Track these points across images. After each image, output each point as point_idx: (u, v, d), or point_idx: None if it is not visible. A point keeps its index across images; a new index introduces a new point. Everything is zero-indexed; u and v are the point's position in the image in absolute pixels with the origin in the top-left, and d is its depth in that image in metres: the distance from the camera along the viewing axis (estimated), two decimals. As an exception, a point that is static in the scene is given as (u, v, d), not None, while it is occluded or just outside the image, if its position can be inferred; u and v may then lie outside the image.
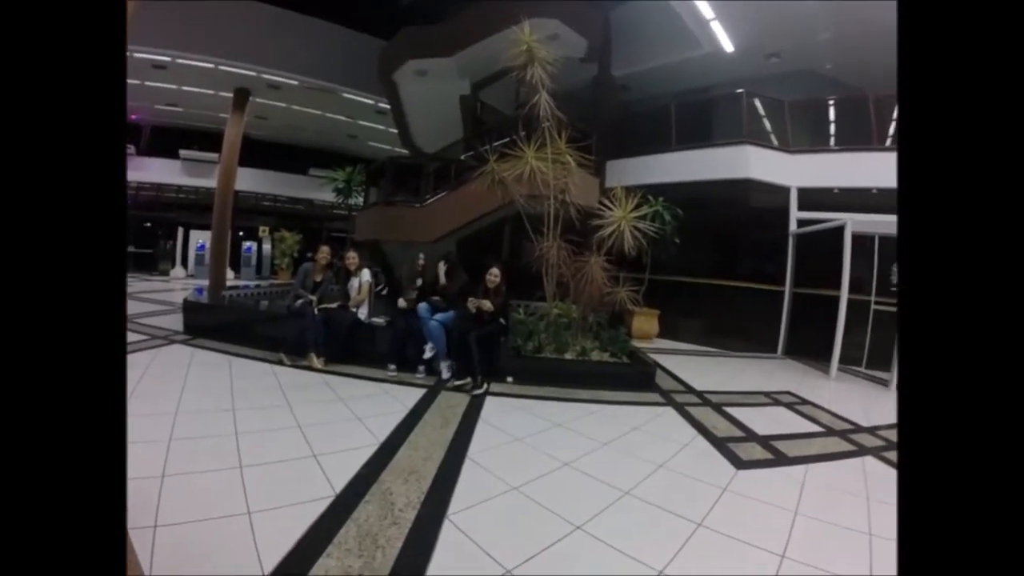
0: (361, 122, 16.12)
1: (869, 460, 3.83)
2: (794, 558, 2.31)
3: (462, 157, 10.38)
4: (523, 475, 3.01)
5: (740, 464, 3.50)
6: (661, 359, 7.30)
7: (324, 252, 6.04)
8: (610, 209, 6.23)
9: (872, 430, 4.63)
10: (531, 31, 6.13)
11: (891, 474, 3.57)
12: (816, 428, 4.64)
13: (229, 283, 12.89)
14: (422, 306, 5.55)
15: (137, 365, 4.85)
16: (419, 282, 5.94)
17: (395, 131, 13.63)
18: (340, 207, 15.33)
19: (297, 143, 18.81)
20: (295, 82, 12.36)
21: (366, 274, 6.03)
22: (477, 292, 5.56)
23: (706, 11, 8.93)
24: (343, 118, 15.75)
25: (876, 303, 7.48)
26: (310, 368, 5.29)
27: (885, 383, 6.63)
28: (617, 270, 6.51)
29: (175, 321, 7.17)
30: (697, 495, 2.93)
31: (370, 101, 13.67)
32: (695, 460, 3.53)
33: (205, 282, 12.48)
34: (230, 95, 12.31)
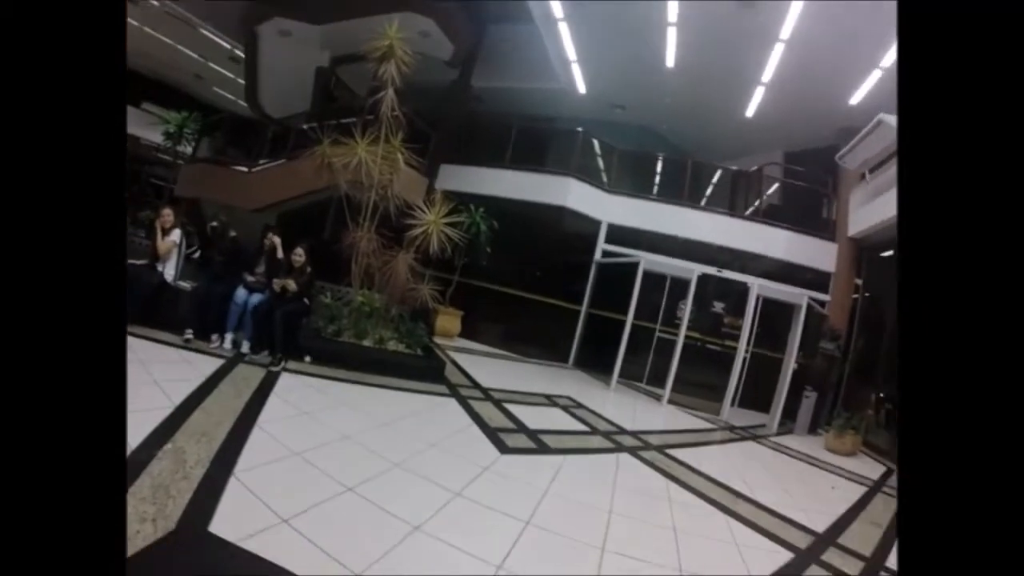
0: (212, 64, 14.79)
1: (624, 456, 4.70)
2: (537, 524, 2.94)
3: (304, 127, 10.14)
4: (305, 443, 3.36)
5: (505, 450, 4.15)
6: (458, 357, 7.99)
7: None
8: (423, 212, 6.76)
9: (634, 433, 5.62)
10: (399, 28, 6.40)
11: (641, 467, 4.46)
12: (583, 428, 5.51)
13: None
14: (240, 292, 5.48)
15: None
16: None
17: (243, 83, 12.79)
18: (166, 152, 13.91)
19: (136, 69, 16.39)
20: (156, 2, 11.07)
21: (176, 234, 5.78)
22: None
23: (571, 52, 9.84)
24: (194, 55, 14.32)
25: (660, 331, 8.97)
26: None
27: (658, 398, 7.95)
28: (425, 269, 7.04)
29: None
30: (460, 472, 3.48)
31: (227, 45, 12.68)
32: (464, 444, 4.12)
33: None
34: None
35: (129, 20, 12.48)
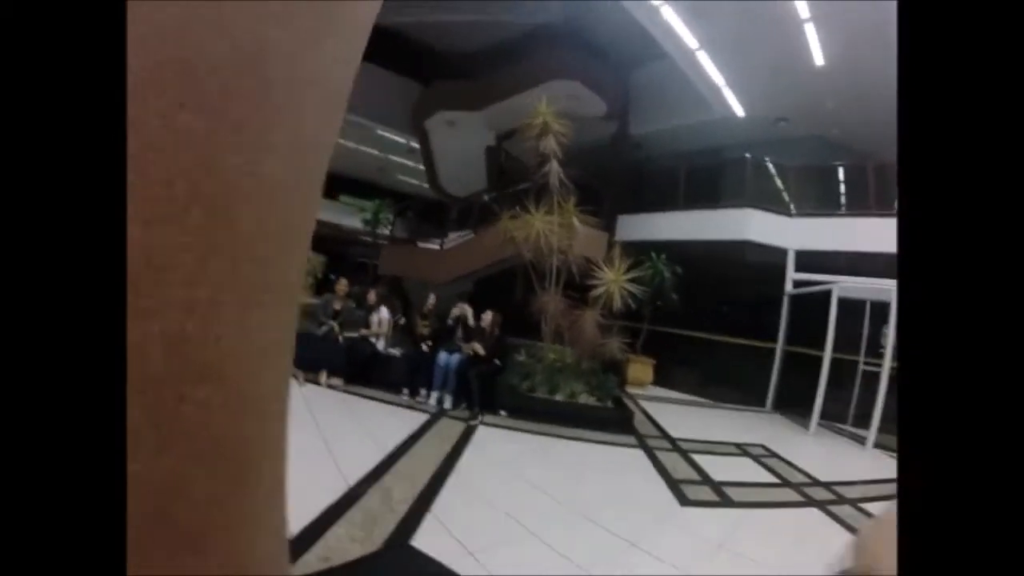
0: (392, 157, 17.37)
1: (812, 511, 4.42)
2: None
3: (485, 198, 11.35)
4: (496, 491, 3.88)
5: (685, 502, 4.21)
6: (650, 406, 8.05)
7: (343, 284, 7.07)
8: (601, 270, 7.14)
9: (827, 485, 5.19)
10: (549, 100, 7.12)
11: (828, 523, 4.17)
12: (773, 479, 5.26)
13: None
14: (442, 355, 6.35)
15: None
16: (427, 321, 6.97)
17: (423, 168, 14.83)
18: (367, 235, 16.47)
19: (331, 171, 20.07)
20: None
21: (384, 311, 6.99)
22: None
23: (717, 78, 9.80)
24: (375, 152, 17.00)
25: (865, 364, 8.09)
26: (329, 385, 6.21)
27: (862, 441, 7.14)
28: (612, 322, 7.34)
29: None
30: (638, 523, 3.65)
31: (402, 140, 14.85)
32: (646, 495, 4.27)
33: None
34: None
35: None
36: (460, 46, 11.72)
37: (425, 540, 2.94)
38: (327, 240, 20.94)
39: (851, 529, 4.06)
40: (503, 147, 12.15)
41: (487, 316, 6.51)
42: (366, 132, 14.80)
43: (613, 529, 3.48)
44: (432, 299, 7.20)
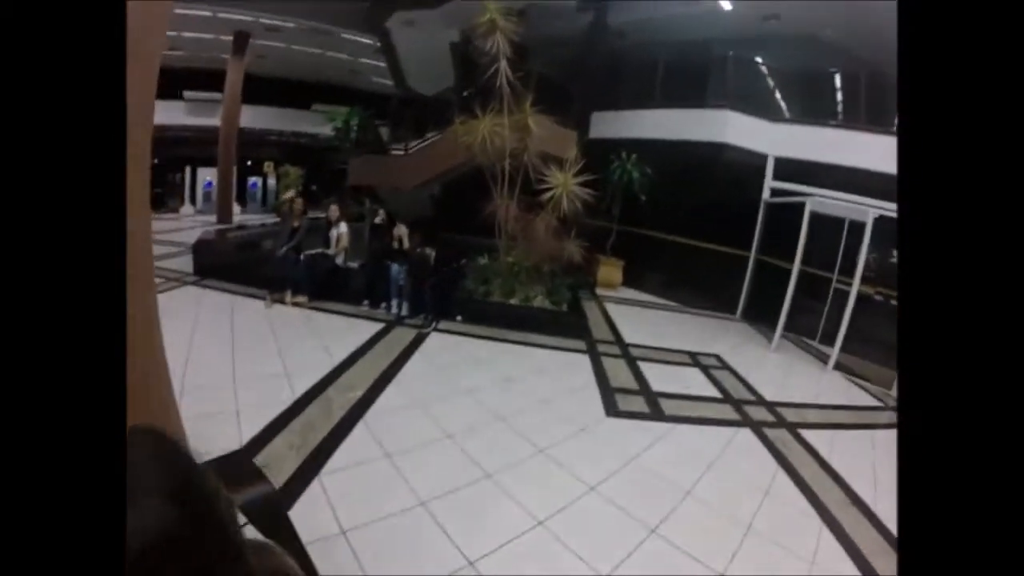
0: (362, 60, 16.72)
1: (743, 432, 4.32)
2: (601, 492, 3.14)
3: (465, 94, 11.01)
4: (430, 395, 4.24)
5: (613, 412, 4.36)
6: (615, 309, 8.33)
7: (299, 204, 7.16)
8: (546, 174, 7.02)
9: (771, 405, 5.06)
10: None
11: (756, 447, 4.10)
12: (715, 393, 5.21)
13: (236, 218, 14.34)
14: (394, 268, 6.62)
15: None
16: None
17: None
18: (343, 142, 16.18)
19: (300, 79, 19.45)
20: (292, 24, 13.28)
21: (343, 226, 7.14)
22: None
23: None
24: (344, 56, 16.38)
25: (837, 281, 7.84)
26: (294, 304, 6.49)
27: (825, 360, 6.95)
28: (585, 222, 7.33)
29: (186, 263, 8.00)
30: (556, 430, 3.88)
31: (369, 41, 14.26)
32: (575, 403, 4.48)
33: (213, 218, 14.05)
34: (230, 38, 13.49)
35: (273, 43, 14.82)
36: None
37: (352, 443, 3.33)
38: (304, 150, 20.62)
39: (777, 455, 3.99)
40: (471, 40, 11.66)
41: (404, 234, 6.73)
42: (330, 37, 14.29)
43: (530, 435, 3.77)
44: (381, 215, 7.46)
